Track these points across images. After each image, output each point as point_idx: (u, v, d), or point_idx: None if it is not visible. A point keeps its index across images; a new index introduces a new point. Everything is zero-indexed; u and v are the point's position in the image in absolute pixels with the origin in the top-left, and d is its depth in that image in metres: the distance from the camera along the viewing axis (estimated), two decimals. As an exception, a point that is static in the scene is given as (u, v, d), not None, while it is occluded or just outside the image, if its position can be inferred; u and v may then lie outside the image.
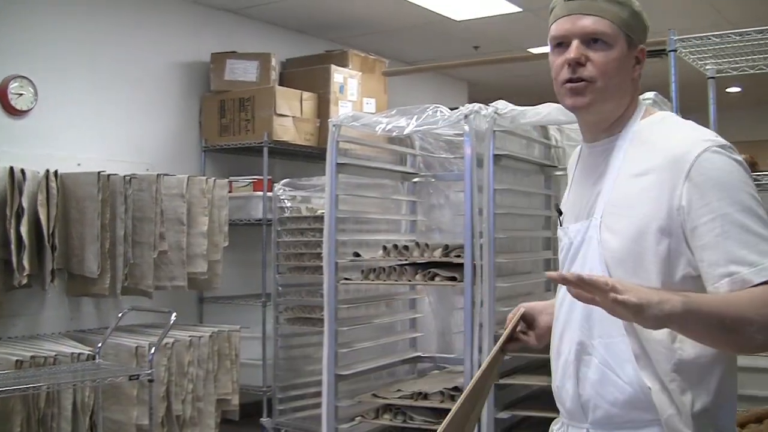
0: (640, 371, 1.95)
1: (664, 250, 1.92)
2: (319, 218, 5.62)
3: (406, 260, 4.26)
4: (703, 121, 4.15)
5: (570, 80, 2.05)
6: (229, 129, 6.98)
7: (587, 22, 2.03)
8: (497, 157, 3.99)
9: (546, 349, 2.25)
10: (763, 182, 3.68)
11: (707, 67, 4.21)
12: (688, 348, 1.91)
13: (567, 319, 2.10)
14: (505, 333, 2.23)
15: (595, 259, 2.01)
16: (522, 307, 2.29)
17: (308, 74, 7.36)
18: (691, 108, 4.46)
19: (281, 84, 7.17)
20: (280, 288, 6.43)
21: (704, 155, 1.90)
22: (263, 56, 7.08)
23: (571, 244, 2.11)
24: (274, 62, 7.10)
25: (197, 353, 5.63)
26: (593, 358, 2.02)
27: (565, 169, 4.64)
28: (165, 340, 5.25)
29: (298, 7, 7.52)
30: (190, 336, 5.62)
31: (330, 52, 7.74)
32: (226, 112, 7.00)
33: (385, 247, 4.30)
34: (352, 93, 7.35)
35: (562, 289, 2.14)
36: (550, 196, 4.66)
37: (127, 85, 6.63)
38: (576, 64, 2.03)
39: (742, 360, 5.67)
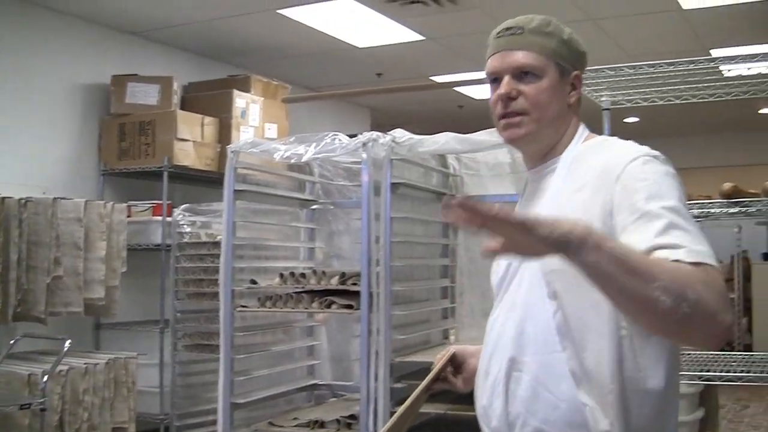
0: (576, 388, 1.92)
1: None
2: (219, 244, 5.56)
3: (303, 288, 4.26)
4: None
5: (504, 115, 2.10)
6: (128, 153, 6.89)
7: (516, 57, 2.10)
8: (395, 185, 4.02)
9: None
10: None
11: (602, 98, 4.29)
12: (630, 366, 1.90)
13: (498, 338, 2.07)
14: (432, 373, 2.23)
15: (535, 275, 2.00)
16: (452, 349, 2.29)
17: (210, 99, 7.32)
18: (587, 137, 4.56)
19: (183, 108, 7.12)
20: (178, 314, 6.38)
21: (634, 162, 1.93)
22: (165, 80, 7.02)
23: (510, 265, 2.11)
24: (175, 86, 7.05)
25: (93, 381, 5.52)
26: (524, 374, 1.98)
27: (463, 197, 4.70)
28: (59, 368, 5.16)
29: (201, 31, 7.49)
30: (85, 363, 5.52)
31: (232, 77, 7.71)
32: (126, 135, 6.91)
33: (282, 275, 4.29)
34: (254, 118, 7.32)
35: (494, 311, 2.14)
36: (447, 224, 4.69)
37: (24, 107, 6.50)
38: (507, 98, 2.08)
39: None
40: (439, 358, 2.28)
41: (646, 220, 1.82)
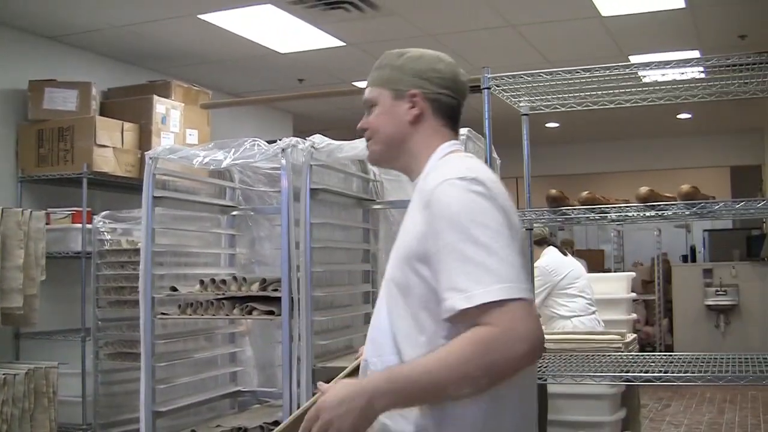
0: None
1: (425, 278, 2.09)
2: (139, 251, 5.54)
3: (224, 294, 4.24)
4: (520, 156, 4.31)
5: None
6: (47, 159, 6.80)
7: (364, 95, 2.40)
8: (314, 191, 4.03)
9: None
10: (572, 215, 3.81)
11: (521, 104, 4.33)
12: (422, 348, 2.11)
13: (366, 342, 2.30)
14: (341, 375, 2.37)
15: (382, 289, 2.27)
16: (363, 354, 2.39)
17: (130, 104, 7.25)
18: (508, 143, 4.62)
19: (102, 114, 7.04)
20: (100, 322, 6.31)
21: (440, 187, 2.09)
22: (83, 85, 6.94)
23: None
24: (94, 91, 6.97)
25: (12, 392, 5.44)
26: (373, 372, 2.18)
27: (383, 202, 4.73)
28: (-24, 379, 5.08)
29: (120, 35, 7.41)
30: (4, 374, 5.43)
31: (153, 83, 7.65)
32: (44, 141, 6.82)
33: (202, 281, 4.27)
34: (175, 124, 7.27)
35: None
36: (368, 229, 4.72)
37: (-62, 114, 6.39)
38: (362, 129, 2.41)
39: (561, 388, 5.81)
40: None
41: (445, 253, 2.01)
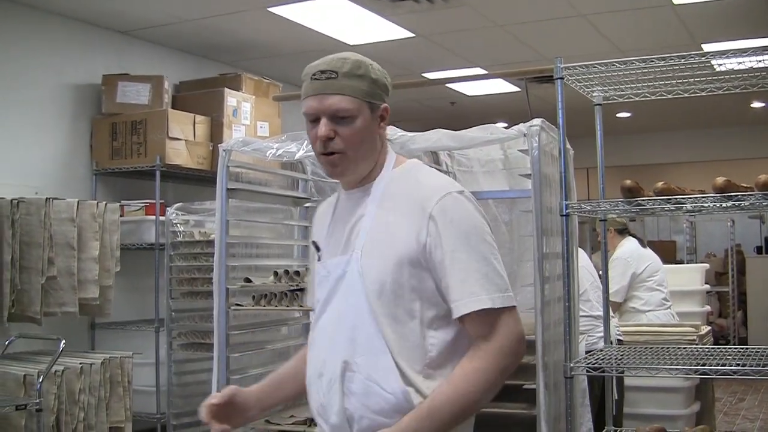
0: (401, 380, 2.22)
1: (416, 280, 2.25)
2: (212, 243, 5.55)
3: (297, 285, 4.26)
4: (592, 146, 4.27)
5: (323, 154, 2.34)
6: (120, 152, 6.89)
7: (332, 101, 2.29)
8: (387, 182, 4.02)
9: None
10: (647, 206, 3.76)
11: (594, 94, 4.29)
12: (434, 355, 2.27)
13: (330, 343, 2.32)
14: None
15: (358, 290, 2.28)
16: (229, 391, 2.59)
17: (201, 97, 7.31)
18: (579, 133, 4.58)
19: (174, 107, 7.11)
20: (173, 313, 6.38)
21: (444, 200, 2.26)
22: (156, 79, 7.01)
23: (329, 276, 2.37)
24: (166, 85, 7.04)
25: (88, 381, 5.52)
26: (357, 374, 2.25)
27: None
28: (54, 368, 5.16)
29: (191, 29, 7.48)
30: (81, 363, 5.51)
31: (224, 76, 7.70)
32: (117, 135, 6.90)
33: (276, 273, 4.29)
34: (246, 117, 7.32)
35: (319, 319, 2.41)
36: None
37: (15, 107, 6.49)
38: (327, 139, 2.30)
39: (636, 380, 5.75)
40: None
41: (454, 262, 2.22)
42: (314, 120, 2.32)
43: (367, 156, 2.36)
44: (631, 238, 6.88)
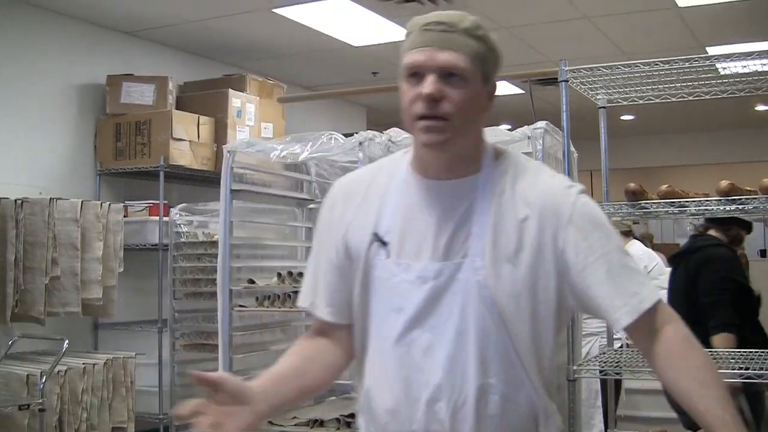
0: (534, 391, 2.01)
1: (548, 290, 1.99)
2: (216, 244, 5.57)
3: (301, 287, 4.26)
4: (596, 149, 4.27)
5: (425, 116, 1.95)
6: (124, 152, 6.89)
7: (446, 57, 1.95)
8: (392, 185, 4.02)
9: None
10: (651, 209, 3.76)
11: (598, 96, 4.29)
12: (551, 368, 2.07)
13: (449, 363, 1.98)
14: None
15: (482, 303, 1.97)
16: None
17: (206, 98, 7.31)
18: (584, 136, 4.58)
19: (178, 108, 7.11)
20: (176, 314, 6.38)
21: (579, 202, 2.01)
22: (160, 79, 7.02)
23: (418, 282, 2.01)
24: (171, 85, 7.04)
25: (91, 381, 5.53)
26: (492, 396, 1.98)
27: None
28: (57, 368, 5.16)
29: (196, 30, 7.49)
30: (84, 363, 5.52)
31: (228, 77, 7.70)
32: (121, 135, 6.91)
33: (279, 274, 4.30)
34: (250, 118, 7.33)
35: (406, 336, 2.01)
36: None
37: (19, 107, 6.49)
38: (432, 99, 1.93)
39: (637, 383, 5.74)
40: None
41: (604, 263, 1.97)
42: (415, 75, 1.97)
43: (471, 132, 2.03)
44: (635, 241, 6.89)
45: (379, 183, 2.14)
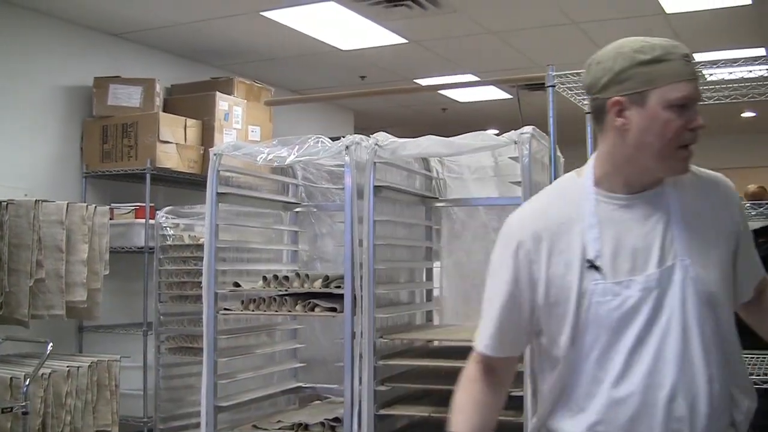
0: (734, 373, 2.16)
1: (732, 267, 2.20)
2: (202, 247, 5.55)
3: (286, 290, 4.26)
4: (582, 155, 4.26)
5: (684, 146, 2.12)
6: (111, 155, 6.87)
7: (699, 89, 2.12)
8: (378, 188, 4.02)
9: None
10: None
11: (585, 102, 4.29)
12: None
13: (681, 366, 2.05)
14: None
15: (695, 298, 2.08)
16: None
17: (193, 101, 7.29)
18: (570, 141, 4.57)
19: (165, 110, 7.09)
20: (161, 317, 6.36)
21: (727, 182, 2.29)
22: (147, 81, 7.00)
23: (649, 293, 2.08)
24: (158, 88, 7.02)
25: (75, 384, 5.50)
26: (715, 384, 2.07)
27: (446, 201, 4.71)
28: (41, 371, 5.13)
29: (183, 33, 7.47)
30: (68, 366, 5.49)
31: (215, 79, 7.69)
32: (108, 137, 6.89)
33: (265, 278, 4.29)
34: (237, 121, 7.31)
35: (645, 343, 2.07)
36: (431, 227, 4.71)
37: (6, 108, 6.47)
38: (699, 130, 2.12)
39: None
40: None
41: (750, 243, 2.28)
42: (684, 106, 2.07)
43: None
44: None
45: (566, 213, 2.19)
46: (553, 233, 2.16)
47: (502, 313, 2.22)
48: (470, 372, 2.29)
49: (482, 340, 2.27)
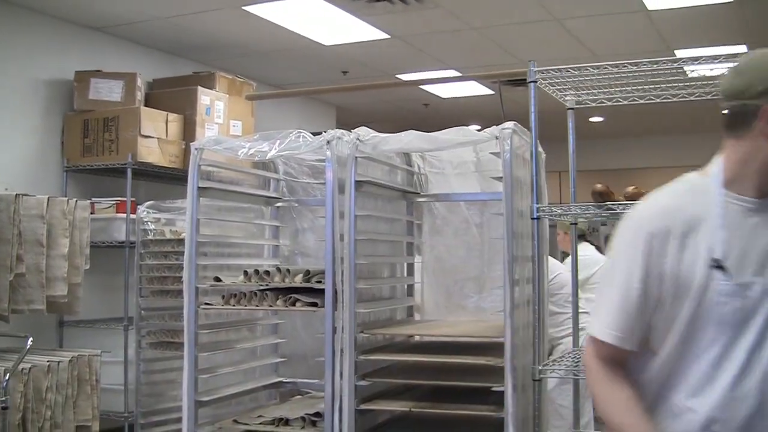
0: None
1: None
2: (183, 241, 5.52)
3: (267, 285, 4.25)
4: (564, 150, 4.28)
5: None
6: (92, 149, 6.85)
7: None
8: (359, 183, 4.02)
9: None
10: (617, 211, 3.77)
11: (567, 98, 4.31)
12: None
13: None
14: None
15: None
16: None
17: (175, 95, 7.28)
18: (552, 137, 4.60)
19: (147, 104, 7.07)
20: (142, 312, 6.35)
21: None
22: (129, 76, 6.98)
23: (754, 298, 2.13)
24: (139, 82, 7.00)
25: (56, 378, 5.48)
26: None
27: (427, 195, 4.71)
28: (21, 366, 5.12)
29: (165, 27, 7.45)
30: (48, 361, 5.47)
31: (197, 74, 7.68)
32: (89, 131, 6.87)
33: (246, 272, 4.28)
34: (219, 115, 7.30)
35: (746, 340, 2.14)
36: (412, 222, 4.71)
37: (-14, 103, 6.45)
38: None
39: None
40: None
41: None
42: None
43: None
44: (586, 243, 6.94)
45: (695, 211, 2.21)
46: (683, 230, 2.18)
47: (635, 303, 2.21)
48: (602, 371, 2.28)
49: (611, 331, 2.24)
